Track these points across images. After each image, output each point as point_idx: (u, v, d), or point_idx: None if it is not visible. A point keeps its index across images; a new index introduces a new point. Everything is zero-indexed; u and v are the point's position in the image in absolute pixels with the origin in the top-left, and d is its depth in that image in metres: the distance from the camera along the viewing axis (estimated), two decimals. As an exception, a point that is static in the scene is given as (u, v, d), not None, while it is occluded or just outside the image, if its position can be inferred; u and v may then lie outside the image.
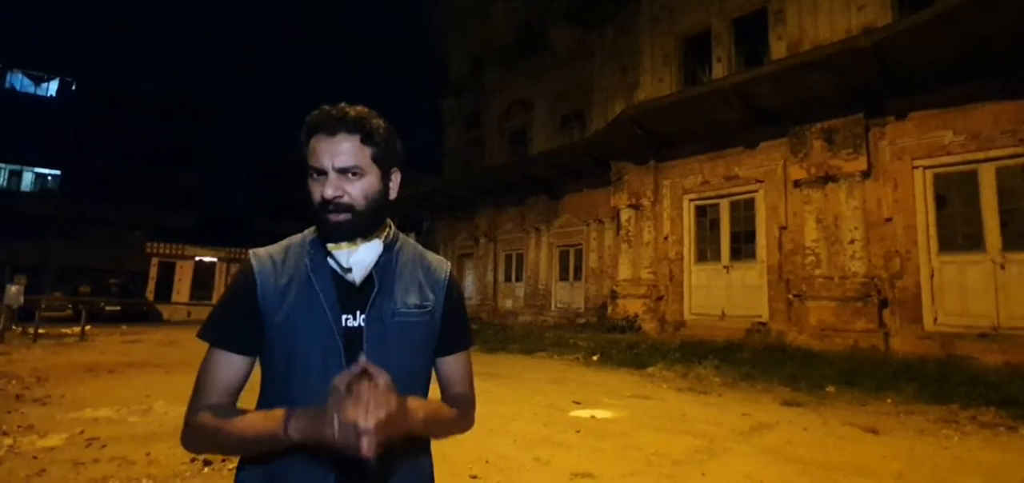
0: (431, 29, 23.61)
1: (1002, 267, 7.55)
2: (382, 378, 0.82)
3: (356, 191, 0.96)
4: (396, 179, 1.05)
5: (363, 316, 0.98)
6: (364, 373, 0.82)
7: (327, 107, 0.97)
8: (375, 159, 0.98)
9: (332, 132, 0.95)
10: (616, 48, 14.51)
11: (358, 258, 0.98)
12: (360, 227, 0.97)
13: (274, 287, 0.98)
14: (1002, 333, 7.34)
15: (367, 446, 0.77)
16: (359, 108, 0.98)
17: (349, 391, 0.80)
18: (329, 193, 0.94)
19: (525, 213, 16.77)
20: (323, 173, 0.95)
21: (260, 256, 1.01)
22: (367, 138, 0.97)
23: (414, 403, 0.92)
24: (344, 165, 0.94)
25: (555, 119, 16.87)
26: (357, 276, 0.98)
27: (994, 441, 4.73)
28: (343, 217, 0.95)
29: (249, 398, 0.99)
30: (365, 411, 0.78)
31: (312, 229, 1.05)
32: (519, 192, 16.72)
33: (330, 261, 0.99)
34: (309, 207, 0.97)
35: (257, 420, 0.89)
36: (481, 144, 19.86)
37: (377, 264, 1.01)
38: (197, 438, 0.92)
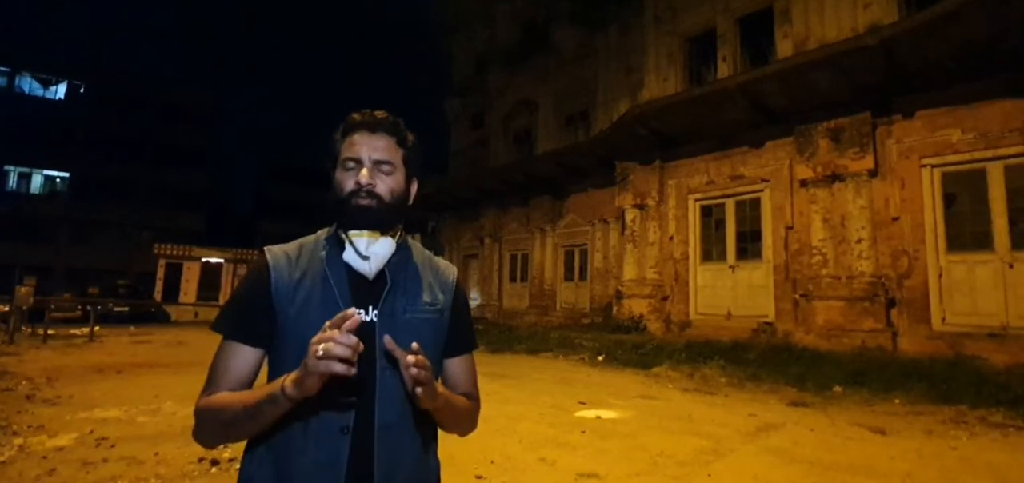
0: (435, 30, 23.67)
1: (1011, 266, 7.49)
2: (411, 353, 0.90)
3: (385, 185, 1.04)
4: (415, 187, 1.13)
5: (375, 312, 1.01)
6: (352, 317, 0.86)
7: (367, 110, 1.07)
8: (405, 161, 1.08)
9: (373, 130, 1.05)
10: (620, 48, 14.49)
11: (376, 249, 1.03)
12: (383, 219, 1.03)
13: (288, 281, 1.01)
14: (1011, 333, 7.27)
15: (342, 369, 0.81)
16: (395, 116, 1.09)
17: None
18: (363, 178, 1.01)
19: (530, 213, 16.78)
20: (359, 162, 1.03)
21: (275, 252, 1.05)
22: (401, 141, 1.08)
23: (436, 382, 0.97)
24: (380, 158, 1.04)
25: (559, 119, 16.87)
26: (373, 267, 1.02)
27: (1003, 442, 4.69)
28: (371, 203, 1.02)
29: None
30: (338, 337, 0.82)
31: (326, 230, 1.09)
32: (524, 192, 16.72)
33: (346, 255, 1.03)
34: (334, 198, 1.04)
35: (259, 390, 0.92)
36: (486, 145, 19.89)
37: (390, 262, 1.05)
38: (203, 422, 0.94)
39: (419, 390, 0.89)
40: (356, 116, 1.06)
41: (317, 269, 1.02)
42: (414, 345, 0.89)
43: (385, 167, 1.03)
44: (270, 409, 0.88)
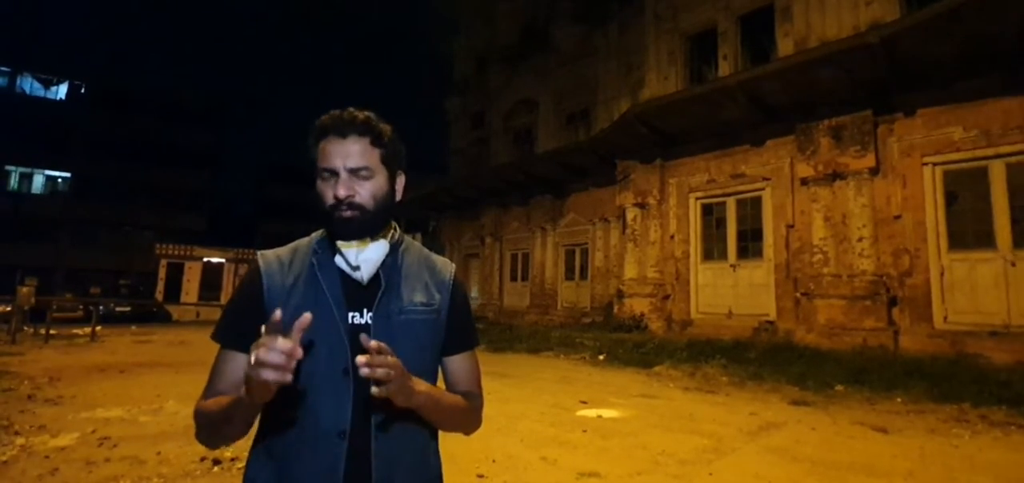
0: (435, 29, 23.67)
1: (1013, 264, 7.47)
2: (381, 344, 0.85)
3: (366, 191, 1.00)
4: (401, 182, 1.09)
5: (370, 314, 1.00)
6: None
7: (336, 112, 1.01)
8: (383, 161, 1.03)
9: (343, 134, 0.99)
10: (621, 46, 14.47)
11: (366, 256, 1.01)
12: (369, 226, 1.01)
13: (281, 286, 1.00)
14: (1013, 331, 7.26)
15: (274, 376, 0.77)
16: (366, 112, 1.02)
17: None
18: (342, 192, 0.97)
19: (531, 213, 16.77)
20: (334, 173, 0.98)
21: (267, 257, 1.05)
22: (376, 140, 1.01)
23: (416, 379, 0.94)
24: (355, 165, 0.99)
25: (560, 118, 16.85)
26: (364, 274, 1.01)
27: (1005, 440, 4.68)
28: (353, 214, 0.98)
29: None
30: (271, 348, 0.78)
31: (319, 232, 1.08)
32: (524, 192, 16.71)
33: (338, 260, 1.01)
34: (319, 208, 1.00)
35: (232, 394, 0.92)
36: (486, 143, 19.87)
37: (383, 263, 1.04)
38: (199, 425, 0.96)
39: (375, 390, 0.84)
40: (325, 120, 1.00)
41: (309, 274, 1.01)
42: (373, 344, 0.84)
43: (363, 173, 0.99)
44: (239, 412, 0.87)
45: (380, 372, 0.83)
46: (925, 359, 7.24)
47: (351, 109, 1.01)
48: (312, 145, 1.01)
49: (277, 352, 0.77)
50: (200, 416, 0.95)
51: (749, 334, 9.71)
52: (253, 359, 0.78)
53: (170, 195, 35.41)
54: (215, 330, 1.02)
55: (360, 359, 0.82)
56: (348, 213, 0.98)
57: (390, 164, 1.05)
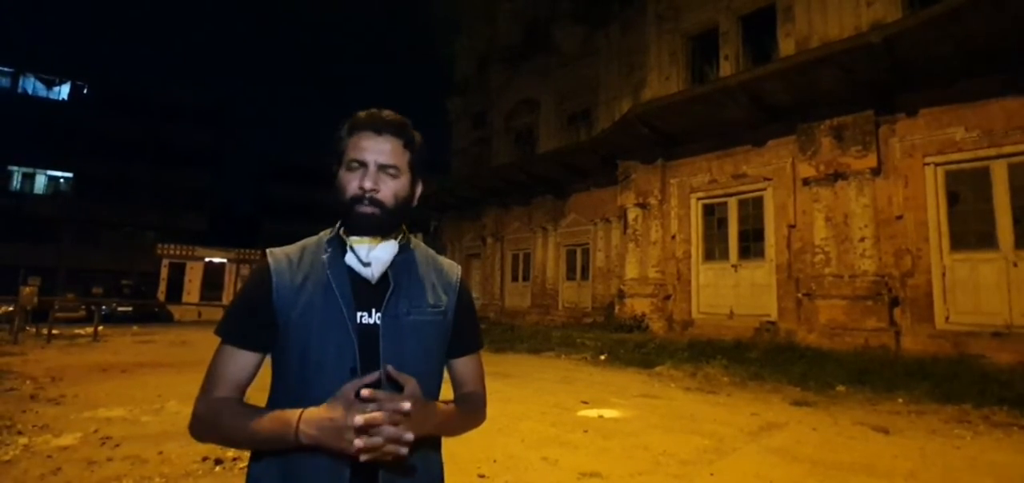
0: (437, 29, 23.67)
1: (1015, 265, 7.46)
2: (409, 384, 0.90)
3: (389, 189, 1.02)
4: (419, 189, 1.11)
5: (379, 314, 1.00)
6: (378, 380, 0.90)
7: (374, 110, 1.04)
8: (411, 165, 1.05)
9: (379, 131, 1.02)
10: (622, 47, 14.47)
11: (377, 254, 1.02)
12: (385, 224, 1.02)
13: (290, 284, 1.00)
14: (1015, 331, 7.24)
15: (369, 453, 0.84)
16: (402, 116, 1.06)
17: (357, 398, 0.86)
18: (367, 184, 0.99)
19: (532, 213, 16.77)
20: (363, 165, 1.00)
21: (276, 255, 1.05)
22: (408, 144, 1.05)
23: (431, 405, 0.96)
24: (385, 162, 1.01)
25: (561, 118, 16.86)
26: (374, 272, 1.02)
27: (1007, 441, 4.67)
28: (373, 210, 1.00)
29: (256, 394, 1.00)
30: (370, 420, 0.85)
31: (328, 231, 1.09)
32: (526, 192, 16.72)
33: (347, 259, 1.02)
34: (338, 198, 1.02)
35: (269, 421, 0.91)
36: (487, 144, 19.89)
37: (393, 264, 1.05)
38: (206, 428, 0.95)
39: (404, 451, 0.89)
40: (362, 115, 1.03)
41: (319, 272, 1.01)
42: (406, 406, 0.89)
43: (390, 171, 1.01)
44: (278, 444, 0.91)
45: (402, 443, 0.88)
46: (927, 360, 7.23)
47: (387, 110, 1.04)
48: (343, 137, 1.03)
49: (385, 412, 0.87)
50: (212, 423, 0.94)
51: (750, 334, 9.70)
52: (355, 421, 0.85)
53: (172, 195, 35.50)
54: (220, 325, 1.01)
55: (389, 432, 0.87)
56: (369, 208, 1.00)
57: (416, 169, 1.07)
